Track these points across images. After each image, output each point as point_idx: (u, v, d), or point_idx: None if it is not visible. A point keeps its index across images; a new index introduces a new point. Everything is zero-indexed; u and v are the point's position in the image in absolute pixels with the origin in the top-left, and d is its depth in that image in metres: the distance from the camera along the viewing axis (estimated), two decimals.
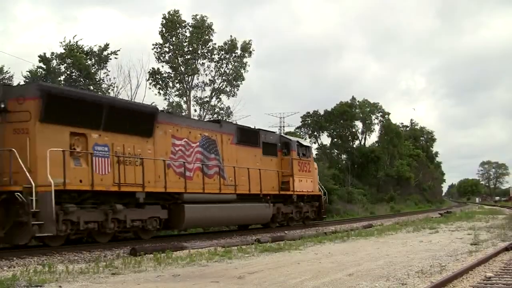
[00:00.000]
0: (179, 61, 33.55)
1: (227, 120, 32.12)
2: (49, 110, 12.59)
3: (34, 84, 14.71)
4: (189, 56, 33.59)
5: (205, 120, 24.09)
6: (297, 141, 23.28)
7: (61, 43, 23.06)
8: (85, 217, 13.25)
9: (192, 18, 33.81)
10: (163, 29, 33.42)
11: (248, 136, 19.94)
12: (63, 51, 22.80)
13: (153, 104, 22.02)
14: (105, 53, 23.98)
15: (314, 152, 50.04)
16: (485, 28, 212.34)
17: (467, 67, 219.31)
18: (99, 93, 23.88)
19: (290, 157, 21.93)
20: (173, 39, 33.46)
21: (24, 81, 21.77)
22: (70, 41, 23.07)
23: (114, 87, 24.51)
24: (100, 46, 23.88)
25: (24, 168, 11.77)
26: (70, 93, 14.18)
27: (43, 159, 12.13)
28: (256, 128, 21.62)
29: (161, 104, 36.07)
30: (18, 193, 11.71)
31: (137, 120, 14.86)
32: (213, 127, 18.61)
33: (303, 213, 23.20)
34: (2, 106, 12.39)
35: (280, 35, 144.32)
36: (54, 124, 12.75)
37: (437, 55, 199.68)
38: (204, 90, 34.46)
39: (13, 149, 11.81)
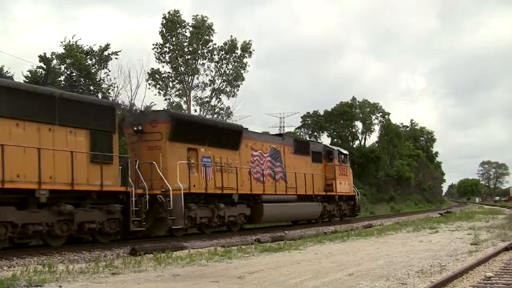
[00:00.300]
0: (179, 61, 33.56)
1: (228, 119, 33.04)
2: (175, 131, 16.28)
3: (165, 111, 18.13)
4: (189, 56, 33.59)
5: (262, 132, 28.29)
6: (338, 150, 27.46)
7: (61, 42, 23.08)
8: (200, 213, 17.05)
9: (193, 18, 33.86)
10: (163, 29, 33.44)
11: (302, 147, 24.16)
12: (63, 51, 22.79)
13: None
14: (105, 53, 23.97)
15: None
16: (485, 28, 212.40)
17: (467, 67, 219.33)
18: (99, 93, 23.90)
19: (333, 163, 26.07)
20: (173, 39, 33.46)
21: (25, 79, 21.80)
22: (70, 41, 23.06)
23: (114, 87, 24.51)
24: (100, 46, 23.89)
25: (162, 176, 15.38)
26: (188, 118, 19.51)
27: (173, 169, 15.84)
28: (306, 139, 27.25)
29: (161, 104, 36.16)
30: (159, 196, 15.32)
31: (230, 137, 18.90)
32: (278, 140, 22.64)
33: (342, 210, 27.10)
34: (140, 128, 15.99)
35: (280, 35, 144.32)
36: (178, 142, 16.46)
37: (437, 55, 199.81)
38: (205, 90, 34.50)
39: (154, 162, 15.40)
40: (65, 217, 12.92)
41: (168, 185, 15.42)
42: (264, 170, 20.73)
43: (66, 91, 21.87)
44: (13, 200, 11.98)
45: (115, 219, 14.28)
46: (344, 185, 26.94)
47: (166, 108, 32.73)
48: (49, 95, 13.03)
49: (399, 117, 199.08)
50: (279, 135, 26.16)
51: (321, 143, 28.82)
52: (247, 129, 20.87)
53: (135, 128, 16.08)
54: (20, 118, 12.05)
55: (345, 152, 28.72)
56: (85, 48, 23.48)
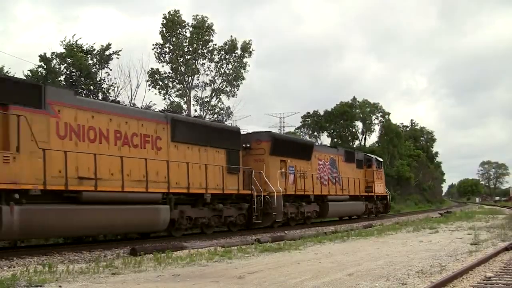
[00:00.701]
0: (179, 61, 33.56)
1: (228, 119, 33.55)
2: (274, 147, 21.60)
3: (267, 132, 23.04)
4: (189, 56, 33.58)
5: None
6: (376, 158, 33.27)
7: (62, 42, 23.06)
8: (291, 210, 22.42)
9: (193, 18, 33.84)
10: (163, 29, 33.42)
11: (349, 156, 29.80)
12: (63, 50, 22.77)
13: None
14: (106, 53, 23.96)
15: None
16: (485, 28, 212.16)
17: (467, 67, 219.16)
18: (100, 93, 23.89)
19: (372, 169, 31.74)
20: (173, 39, 33.46)
21: (26, 78, 21.77)
22: (70, 41, 23.05)
23: (114, 87, 24.49)
24: (102, 46, 23.88)
25: (268, 182, 20.67)
26: (282, 137, 26.22)
27: (273, 176, 21.20)
28: (352, 150, 34.03)
29: (161, 104, 36.14)
30: (267, 196, 20.55)
31: (305, 150, 24.69)
32: (334, 151, 28.74)
33: (377, 208, 32.74)
34: (248, 145, 21.13)
35: (281, 35, 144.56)
36: (275, 155, 21.79)
37: (438, 55, 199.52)
38: (205, 90, 34.49)
39: (261, 171, 20.63)
40: (217, 213, 18.08)
41: (272, 188, 20.65)
42: (327, 176, 26.45)
43: (64, 88, 21.95)
44: (189, 201, 16.96)
45: (243, 214, 19.66)
46: (380, 187, 32.60)
47: (165, 108, 32.88)
48: (206, 126, 18.54)
49: (400, 117, 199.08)
50: (334, 147, 33.19)
51: (362, 152, 34.70)
52: (315, 143, 29.08)
53: (244, 145, 20.75)
54: (190, 143, 17.04)
55: (380, 159, 34.48)
56: (85, 48, 23.44)
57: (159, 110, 18.25)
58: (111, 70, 24.25)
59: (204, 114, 34.40)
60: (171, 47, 33.41)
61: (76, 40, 23.25)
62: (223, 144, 18.50)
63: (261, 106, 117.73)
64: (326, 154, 26.99)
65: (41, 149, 11.89)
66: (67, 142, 12.85)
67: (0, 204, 11.04)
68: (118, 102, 17.79)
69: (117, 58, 24.34)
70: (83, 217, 12.92)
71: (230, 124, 28.73)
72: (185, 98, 34.35)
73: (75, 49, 22.85)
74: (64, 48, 22.83)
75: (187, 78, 33.94)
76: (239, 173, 19.30)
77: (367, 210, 30.81)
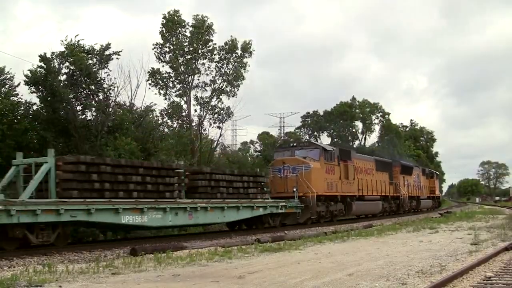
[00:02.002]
0: (180, 61, 33.51)
1: (228, 119, 34.35)
2: (402, 170, 36.57)
3: (395, 161, 36.67)
4: (189, 56, 33.53)
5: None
6: (435, 172, 52.57)
7: (62, 41, 23.00)
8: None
9: (193, 18, 33.78)
10: (163, 29, 33.37)
11: (424, 171, 45.74)
12: (64, 50, 22.71)
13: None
14: (106, 52, 23.90)
15: None
16: (487, 27, 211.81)
17: (469, 66, 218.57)
18: (100, 93, 23.86)
19: (434, 179, 48.78)
20: (173, 39, 33.41)
21: (25, 82, 21.79)
22: (71, 40, 23.00)
23: (114, 87, 24.42)
24: (102, 45, 23.81)
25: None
26: (407, 164, 40.60)
27: (402, 185, 36.45)
28: (424, 167, 48.18)
29: (161, 104, 36.08)
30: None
31: (409, 170, 38.72)
32: (418, 169, 43.52)
33: (435, 204, 49.25)
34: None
35: (282, 34, 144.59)
36: (403, 174, 37.73)
37: (439, 54, 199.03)
38: (205, 90, 34.42)
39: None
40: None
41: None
42: (417, 184, 41.65)
43: (66, 90, 21.95)
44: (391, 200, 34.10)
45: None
46: (437, 191, 51.29)
47: (165, 108, 32.94)
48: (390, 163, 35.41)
49: (401, 117, 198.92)
50: (417, 166, 45.36)
51: (428, 168, 50.64)
52: (416, 165, 45.35)
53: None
54: (381, 171, 32.63)
55: (437, 172, 54.46)
56: (86, 48, 23.39)
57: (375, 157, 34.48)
58: (111, 70, 24.19)
59: (204, 114, 34.40)
60: (171, 47, 33.37)
61: (78, 40, 23.22)
62: (387, 170, 34.14)
63: (261, 105, 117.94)
64: (417, 171, 42.17)
65: (355, 178, 28.20)
66: (358, 175, 28.89)
67: (352, 201, 27.71)
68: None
69: (117, 58, 24.28)
70: (365, 206, 29.90)
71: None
72: (185, 98, 34.31)
73: (76, 49, 22.78)
74: (65, 48, 22.77)
75: (187, 78, 33.91)
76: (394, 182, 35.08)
77: (432, 205, 46.75)
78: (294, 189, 22.74)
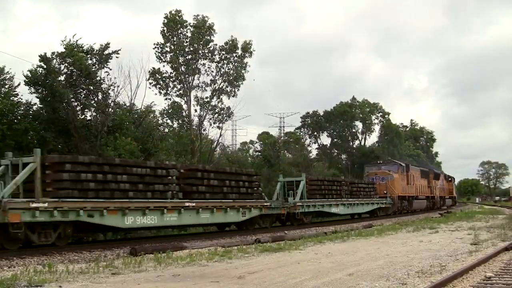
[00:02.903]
0: (180, 61, 33.52)
1: (228, 119, 35.02)
2: (446, 177, 57.19)
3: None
4: (190, 56, 33.55)
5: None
6: (453, 177, 60.76)
7: (62, 41, 23.01)
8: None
9: (194, 18, 33.80)
10: (165, 28, 33.39)
11: (445, 176, 56.10)
12: (63, 50, 22.72)
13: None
14: (105, 52, 23.90)
15: (315, 152, 66.69)
16: (489, 27, 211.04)
17: (470, 66, 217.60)
18: (99, 93, 23.87)
19: (452, 182, 58.08)
20: (174, 39, 33.43)
21: (25, 82, 21.81)
22: (70, 40, 23.00)
23: (114, 87, 24.42)
24: (101, 45, 23.81)
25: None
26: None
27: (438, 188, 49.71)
28: (446, 174, 58.32)
29: (162, 104, 36.05)
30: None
31: (438, 176, 50.98)
32: (442, 176, 54.13)
33: (454, 202, 58.47)
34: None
35: (283, 34, 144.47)
36: (447, 180, 57.45)
37: (441, 54, 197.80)
38: (205, 90, 34.44)
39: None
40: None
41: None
42: (441, 187, 50.88)
43: (66, 90, 21.95)
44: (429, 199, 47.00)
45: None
46: (454, 192, 59.38)
47: (166, 108, 32.94)
48: (428, 171, 47.44)
49: (402, 117, 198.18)
50: (442, 172, 57.76)
51: (448, 174, 60.00)
52: (441, 171, 57.00)
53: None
54: (423, 178, 44.09)
55: (453, 177, 61.67)
56: (85, 48, 23.38)
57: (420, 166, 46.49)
58: (110, 70, 24.18)
59: (204, 114, 34.42)
60: (172, 47, 33.38)
61: (77, 40, 23.22)
62: (426, 176, 44.66)
63: (262, 105, 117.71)
64: (442, 176, 53.33)
65: (413, 184, 39.98)
66: (413, 181, 40.26)
67: (412, 200, 39.48)
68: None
69: (116, 57, 24.27)
70: (419, 204, 41.27)
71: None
72: (185, 98, 34.33)
73: (76, 49, 22.79)
74: (64, 48, 22.78)
75: (187, 78, 33.92)
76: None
77: (452, 203, 56.65)
78: (385, 192, 34.76)
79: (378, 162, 40.50)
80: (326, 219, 28.38)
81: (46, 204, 12.52)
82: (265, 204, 20.58)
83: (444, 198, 51.93)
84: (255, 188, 20.71)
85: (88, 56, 23.56)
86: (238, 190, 19.38)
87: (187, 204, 16.43)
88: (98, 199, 13.87)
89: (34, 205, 12.32)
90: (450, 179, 58.46)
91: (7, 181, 13.45)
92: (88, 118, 24.01)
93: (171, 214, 15.84)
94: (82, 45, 23.50)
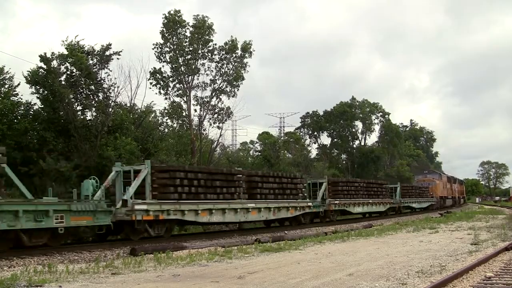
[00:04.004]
0: (180, 61, 33.49)
1: (228, 119, 34.73)
2: (461, 182, 75.81)
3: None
4: (189, 56, 33.52)
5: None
6: (463, 180, 79.12)
7: (63, 41, 23.00)
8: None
9: (193, 18, 33.78)
10: (164, 29, 33.37)
11: (458, 180, 68.66)
12: (64, 50, 22.73)
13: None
14: (107, 53, 23.90)
15: (314, 152, 68.08)
16: (492, 26, 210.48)
17: (472, 66, 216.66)
18: (100, 93, 23.87)
19: (462, 185, 74.48)
20: (174, 39, 33.40)
21: (26, 82, 21.83)
22: (72, 41, 23.00)
23: (115, 87, 24.42)
24: (102, 45, 23.80)
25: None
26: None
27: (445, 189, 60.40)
28: (458, 179, 70.95)
29: (162, 104, 36.02)
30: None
31: (455, 180, 65.87)
32: (454, 180, 64.07)
33: (460, 201, 68.12)
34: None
35: (285, 33, 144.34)
36: (460, 185, 72.44)
37: (443, 53, 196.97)
38: (205, 90, 34.40)
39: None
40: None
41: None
42: (452, 189, 60.06)
43: (66, 90, 21.95)
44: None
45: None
46: (464, 193, 72.46)
47: (166, 108, 32.99)
48: (450, 177, 63.63)
49: (403, 116, 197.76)
50: (454, 177, 66.22)
51: (459, 178, 71.69)
52: (454, 177, 66.71)
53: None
54: (450, 182, 61.36)
55: (463, 180, 77.87)
56: (86, 48, 23.39)
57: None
58: (111, 70, 24.18)
59: (204, 114, 34.40)
60: (172, 47, 33.36)
61: (78, 41, 23.24)
62: (450, 182, 59.33)
63: (262, 105, 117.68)
64: (457, 181, 65.13)
65: (445, 187, 57.33)
66: (444, 185, 57.47)
67: (445, 199, 56.03)
68: None
69: (117, 59, 24.29)
70: (448, 202, 56.40)
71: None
72: (185, 98, 34.29)
73: (76, 49, 22.80)
74: (65, 48, 22.79)
75: (187, 78, 33.90)
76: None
77: (463, 202, 68.44)
78: (431, 193, 48.20)
79: (424, 172, 60.33)
80: (349, 217, 30.36)
81: (168, 206, 15.62)
82: (308, 204, 23.69)
83: (460, 198, 67.70)
84: (301, 190, 23.57)
85: (89, 56, 23.56)
86: (290, 192, 22.32)
87: (252, 204, 19.51)
88: (193, 201, 16.73)
89: (157, 207, 15.29)
90: (461, 182, 73.18)
91: (118, 185, 16.07)
92: (88, 118, 24.01)
93: (242, 212, 19.03)
94: (83, 46, 23.51)
